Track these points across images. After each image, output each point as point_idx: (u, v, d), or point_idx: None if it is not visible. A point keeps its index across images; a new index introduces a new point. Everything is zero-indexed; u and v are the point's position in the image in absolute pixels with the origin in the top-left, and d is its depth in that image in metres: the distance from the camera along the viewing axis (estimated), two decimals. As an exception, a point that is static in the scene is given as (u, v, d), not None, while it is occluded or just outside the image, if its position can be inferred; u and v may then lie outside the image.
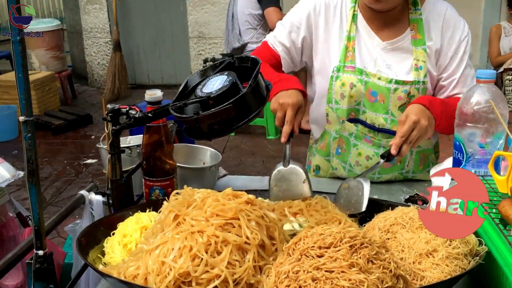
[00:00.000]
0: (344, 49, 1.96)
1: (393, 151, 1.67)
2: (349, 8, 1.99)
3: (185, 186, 1.34)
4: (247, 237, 1.15)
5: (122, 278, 1.15)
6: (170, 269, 1.11)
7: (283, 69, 2.06)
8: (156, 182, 1.68)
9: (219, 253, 1.12)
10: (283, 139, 1.74)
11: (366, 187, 1.65)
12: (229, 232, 1.15)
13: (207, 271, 1.10)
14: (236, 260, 1.12)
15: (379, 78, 1.93)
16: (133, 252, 1.25)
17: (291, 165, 1.73)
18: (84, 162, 5.67)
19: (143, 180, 1.70)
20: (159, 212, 1.30)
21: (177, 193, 1.32)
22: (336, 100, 1.98)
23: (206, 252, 1.11)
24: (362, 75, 1.94)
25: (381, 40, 1.97)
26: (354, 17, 1.97)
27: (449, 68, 1.97)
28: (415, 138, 1.68)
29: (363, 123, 1.99)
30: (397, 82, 1.92)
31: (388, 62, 1.96)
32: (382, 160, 1.71)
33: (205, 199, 1.23)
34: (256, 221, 1.19)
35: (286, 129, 1.74)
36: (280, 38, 2.05)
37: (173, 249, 1.13)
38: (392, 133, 1.93)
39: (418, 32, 1.95)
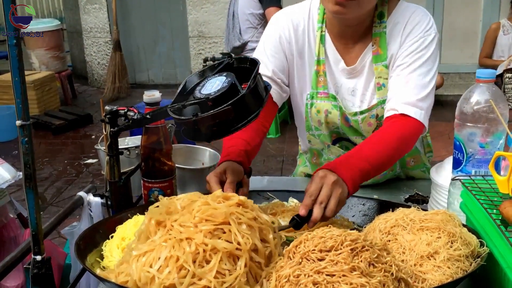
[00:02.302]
0: (315, 74, 1.86)
1: (301, 211, 1.41)
2: (316, 29, 1.85)
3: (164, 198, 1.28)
4: (238, 243, 1.10)
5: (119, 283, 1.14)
6: (154, 280, 1.07)
7: (274, 100, 1.88)
8: (155, 183, 1.67)
9: (208, 262, 1.08)
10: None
11: None
12: (219, 238, 1.11)
13: (194, 283, 1.06)
14: (227, 269, 1.08)
15: (344, 110, 1.84)
16: (124, 257, 1.22)
17: None
18: (85, 162, 5.67)
19: (141, 181, 1.69)
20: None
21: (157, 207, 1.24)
22: (315, 127, 1.92)
23: (194, 262, 1.07)
24: (336, 101, 1.84)
25: (346, 65, 1.83)
26: (322, 38, 1.84)
27: (393, 72, 1.77)
28: (326, 196, 1.42)
29: (349, 140, 1.92)
30: (361, 112, 1.83)
31: (353, 88, 1.85)
32: (289, 225, 1.43)
33: (192, 204, 1.19)
34: (248, 224, 1.15)
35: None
36: (263, 71, 1.79)
37: (159, 258, 1.09)
38: None
39: (379, 47, 1.79)
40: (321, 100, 1.86)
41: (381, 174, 1.94)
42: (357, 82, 1.84)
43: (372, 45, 1.80)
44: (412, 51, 1.75)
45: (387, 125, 1.71)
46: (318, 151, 2.04)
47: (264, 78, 1.79)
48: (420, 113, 1.70)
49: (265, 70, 1.84)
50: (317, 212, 1.41)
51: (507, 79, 6.11)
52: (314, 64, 1.86)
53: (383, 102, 1.80)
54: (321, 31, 1.84)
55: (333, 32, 1.84)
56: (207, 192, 1.40)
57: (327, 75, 1.85)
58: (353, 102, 1.86)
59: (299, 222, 1.42)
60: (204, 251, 1.08)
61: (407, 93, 1.71)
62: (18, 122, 1.24)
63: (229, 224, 1.13)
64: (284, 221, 1.51)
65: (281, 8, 5.57)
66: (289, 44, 1.86)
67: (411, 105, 1.70)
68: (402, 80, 1.73)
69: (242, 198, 1.21)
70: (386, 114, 1.74)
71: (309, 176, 2.14)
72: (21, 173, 2.28)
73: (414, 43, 1.75)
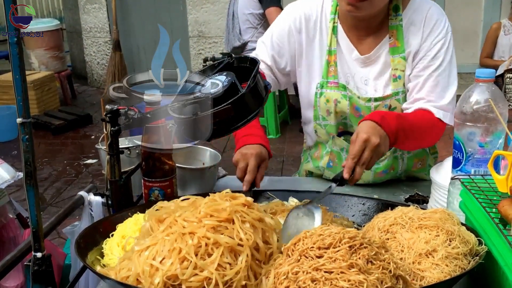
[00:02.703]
0: (326, 64, 1.90)
1: (346, 175, 1.51)
2: (329, 20, 1.90)
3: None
4: (240, 239, 1.12)
5: (119, 280, 1.15)
6: (157, 271, 1.09)
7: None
8: (155, 182, 1.67)
9: (209, 255, 1.10)
10: (245, 188, 1.66)
11: (318, 217, 1.44)
12: (222, 234, 1.13)
13: (196, 274, 1.08)
14: (228, 263, 1.10)
15: (358, 97, 1.88)
16: (126, 254, 1.23)
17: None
18: (84, 162, 5.67)
19: (142, 181, 1.70)
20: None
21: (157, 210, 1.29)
22: (323, 116, 1.94)
23: (196, 255, 1.09)
24: (346, 90, 1.88)
25: (360, 54, 1.89)
26: (334, 29, 1.89)
27: (416, 69, 1.85)
28: (368, 158, 1.54)
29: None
30: (376, 99, 1.87)
31: (366, 77, 1.89)
32: (334, 184, 1.53)
33: (198, 200, 1.22)
34: (251, 224, 1.17)
35: (247, 178, 1.67)
36: (262, 57, 1.96)
37: (162, 251, 1.11)
38: None
39: (397, 39, 1.85)
40: (331, 90, 1.90)
41: (382, 173, 1.97)
42: (371, 71, 1.89)
43: (389, 38, 1.86)
44: (438, 50, 1.83)
45: (424, 113, 1.82)
46: (322, 144, 2.05)
47: (262, 64, 1.91)
48: (450, 117, 1.83)
49: (266, 56, 1.94)
50: (358, 173, 1.53)
51: (508, 79, 6.11)
52: (326, 54, 1.90)
53: (397, 94, 1.86)
54: (334, 22, 1.89)
55: (346, 23, 1.89)
56: (207, 192, 1.41)
57: (338, 65, 1.89)
58: (366, 90, 1.90)
59: (341, 182, 1.53)
60: (206, 244, 1.11)
61: (438, 96, 1.83)
62: (19, 120, 1.24)
63: (233, 221, 1.15)
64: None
65: (281, 8, 5.58)
66: (299, 34, 1.92)
67: (442, 109, 1.83)
68: (431, 83, 1.83)
69: (249, 199, 1.23)
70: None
71: (311, 174, 2.15)
72: (20, 173, 2.29)
73: (438, 43, 1.83)
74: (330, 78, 1.90)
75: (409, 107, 1.86)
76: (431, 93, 1.83)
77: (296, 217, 1.46)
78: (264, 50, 1.97)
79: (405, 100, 1.88)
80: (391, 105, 1.87)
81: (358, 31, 1.89)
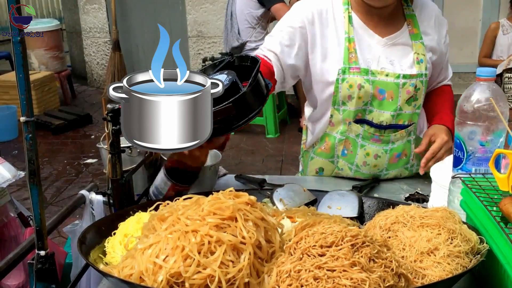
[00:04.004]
0: (346, 51, 1.96)
1: (422, 171, 1.92)
2: (343, 11, 2.00)
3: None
4: (243, 237, 1.13)
5: (122, 278, 1.15)
6: (161, 269, 1.09)
7: (275, 77, 2.00)
8: (187, 187, 1.71)
9: (212, 253, 1.11)
10: None
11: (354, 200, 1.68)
12: (225, 231, 1.13)
13: (199, 272, 1.09)
14: (231, 261, 1.10)
15: (386, 75, 1.95)
16: (129, 252, 1.24)
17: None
18: (84, 161, 5.67)
19: (170, 184, 1.69)
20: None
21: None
22: (343, 101, 1.98)
23: (199, 252, 1.10)
24: (368, 75, 1.95)
25: (381, 37, 2.00)
26: (350, 18, 1.99)
27: (440, 57, 2.12)
28: (442, 156, 1.88)
29: (369, 123, 2.00)
30: (404, 76, 1.96)
31: (391, 58, 1.99)
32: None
33: (201, 199, 1.22)
34: (254, 222, 1.17)
35: None
36: (270, 46, 2.01)
37: (165, 249, 1.12)
38: (399, 127, 2.00)
39: (414, 27, 2.02)
40: (353, 75, 1.96)
41: (395, 158, 2.07)
42: (395, 52, 2.01)
43: (408, 25, 2.03)
44: (447, 39, 2.14)
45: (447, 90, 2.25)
46: (329, 136, 2.08)
47: (271, 54, 1.97)
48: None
49: (275, 45, 2.00)
50: (429, 167, 1.85)
51: (507, 78, 6.12)
52: (345, 41, 1.97)
53: (420, 75, 1.99)
54: (348, 12, 2.00)
55: (360, 12, 2.02)
56: (208, 191, 1.42)
57: (358, 52, 1.97)
58: (394, 69, 1.98)
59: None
60: (209, 242, 1.11)
61: (449, 72, 2.24)
62: (22, 118, 1.25)
63: (236, 219, 1.15)
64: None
65: (285, 3, 5.58)
66: (312, 25, 1.99)
67: (450, 80, 2.27)
68: (446, 65, 2.21)
69: (252, 197, 1.23)
70: (440, 84, 2.24)
71: (322, 171, 2.18)
72: (21, 172, 2.30)
73: (447, 34, 2.14)
74: (352, 64, 1.96)
75: (438, 84, 2.22)
76: (446, 71, 2.21)
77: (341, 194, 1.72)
78: (272, 41, 2.02)
79: (426, 84, 2.04)
80: (417, 85, 1.98)
81: (373, 18, 2.01)
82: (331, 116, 2.03)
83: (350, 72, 1.95)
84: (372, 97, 1.96)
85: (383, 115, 1.98)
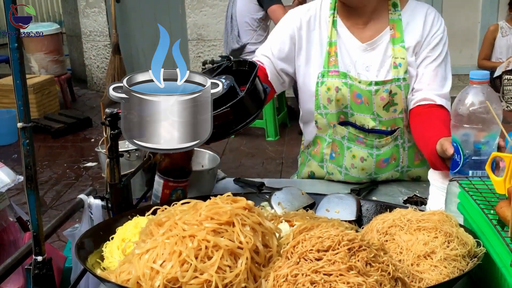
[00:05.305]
0: (327, 55, 1.98)
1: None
2: (328, 15, 2.02)
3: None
4: (240, 242, 1.13)
5: (120, 283, 1.15)
6: (158, 274, 1.10)
7: (269, 79, 2.04)
8: (181, 183, 1.70)
9: (209, 258, 1.11)
10: None
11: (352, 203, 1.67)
12: (222, 236, 1.13)
13: (196, 277, 1.09)
14: (228, 266, 1.10)
15: (359, 82, 1.95)
16: (126, 257, 1.24)
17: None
18: (84, 165, 5.68)
19: (162, 182, 1.69)
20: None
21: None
22: (324, 105, 1.99)
23: (196, 257, 1.10)
24: (346, 78, 1.96)
25: (361, 42, 1.99)
26: (334, 23, 2.00)
27: (418, 60, 1.98)
28: None
29: (353, 125, 2.00)
30: (377, 83, 1.94)
31: (367, 64, 1.97)
32: None
33: (198, 203, 1.23)
34: (251, 227, 1.17)
35: None
36: (264, 52, 2.07)
37: (162, 254, 1.12)
38: (382, 133, 1.99)
39: (396, 31, 1.98)
40: (332, 78, 1.97)
41: (383, 162, 2.04)
42: (373, 58, 1.98)
43: (390, 29, 1.98)
44: (437, 43, 1.98)
45: (440, 113, 1.92)
46: (321, 138, 2.09)
47: (266, 60, 2.01)
48: (448, 104, 1.96)
49: (268, 51, 2.05)
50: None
51: (506, 80, 6.12)
52: (326, 45, 1.99)
53: (397, 80, 1.95)
54: (333, 17, 2.01)
55: (342, 14, 2.02)
56: (206, 194, 1.42)
57: (339, 55, 1.98)
58: (367, 76, 1.97)
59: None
60: (206, 247, 1.11)
61: (438, 85, 1.97)
62: (19, 124, 1.25)
63: (233, 224, 1.16)
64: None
65: (282, 4, 5.58)
66: (299, 30, 2.02)
67: (444, 98, 1.96)
68: (431, 73, 1.97)
69: (250, 202, 1.24)
70: (422, 102, 1.95)
71: (313, 175, 2.18)
72: (20, 176, 2.30)
73: (438, 36, 1.98)
74: (331, 67, 1.98)
75: (414, 97, 1.97)
76: (433, 82, 1.97)
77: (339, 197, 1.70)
78: (265, 46, 2.08)
79: (407, 88, 1.95)
80: (392, 90, 1.95)
81: (354, 20, 2.00)
82: (316, 121, 2.06)
83: (328, 75, 1.97)
84: (350, 101, 1.97)
85: (364, 119, 1.98)
